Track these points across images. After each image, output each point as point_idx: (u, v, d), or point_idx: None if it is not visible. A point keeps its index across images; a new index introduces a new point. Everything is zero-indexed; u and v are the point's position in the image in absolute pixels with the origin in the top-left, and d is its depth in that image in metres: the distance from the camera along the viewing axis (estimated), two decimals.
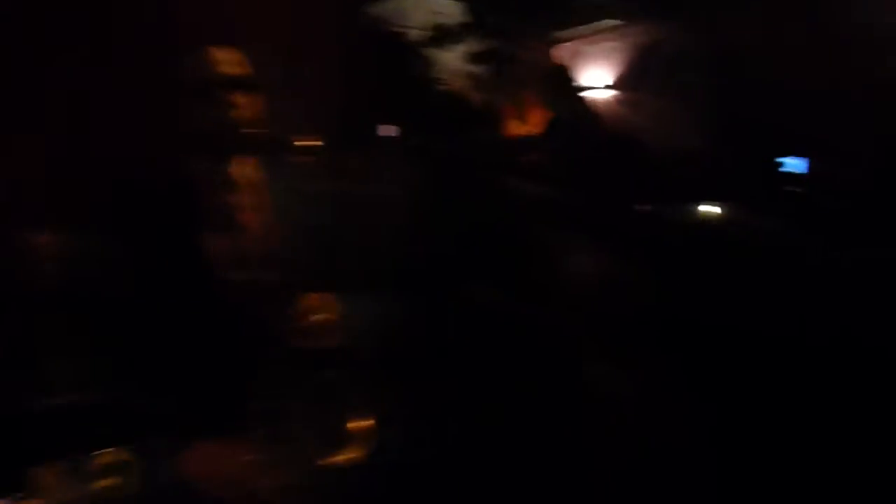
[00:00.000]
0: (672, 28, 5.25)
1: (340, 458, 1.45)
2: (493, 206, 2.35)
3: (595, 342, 2.27)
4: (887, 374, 2.56)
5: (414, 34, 4.65)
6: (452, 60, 4.75)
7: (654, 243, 3.51)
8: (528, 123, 6.03)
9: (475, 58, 4.88)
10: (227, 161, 1.54)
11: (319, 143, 1.43)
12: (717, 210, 3.58)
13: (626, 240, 3.43)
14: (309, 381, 1.44)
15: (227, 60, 1.57)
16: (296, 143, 1.50)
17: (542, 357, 2.08)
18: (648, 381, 2.21)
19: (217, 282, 1.43)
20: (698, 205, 3.66)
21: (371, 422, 1.52)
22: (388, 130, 4.07)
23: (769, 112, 4.21)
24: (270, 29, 2.43)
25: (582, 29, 5.64)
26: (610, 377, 2.14)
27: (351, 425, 1.50)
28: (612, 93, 5.52)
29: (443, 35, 4.79)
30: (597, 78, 5.60)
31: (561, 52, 5.88)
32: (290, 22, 2.83)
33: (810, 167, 4.45)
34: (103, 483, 1.32)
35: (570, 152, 4.24)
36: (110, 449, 1.34)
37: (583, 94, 4.82)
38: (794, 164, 4.47)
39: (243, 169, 1.57)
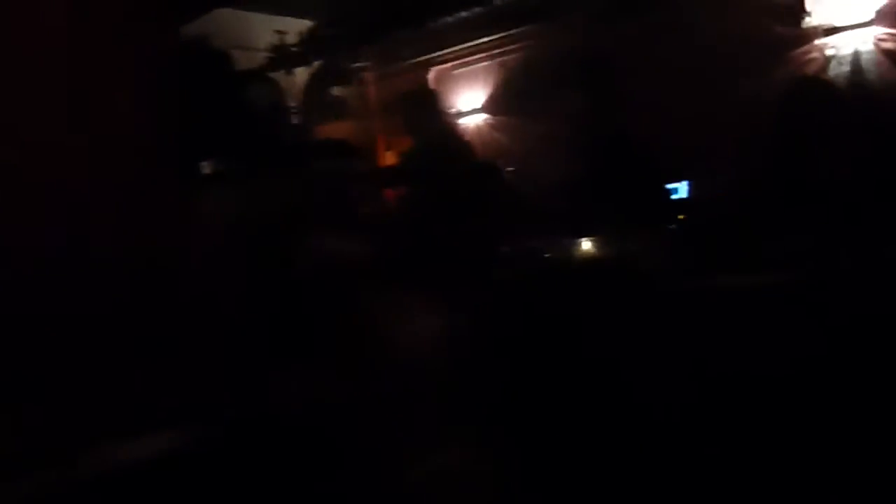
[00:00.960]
0: (547, 45, 4.87)
1: None
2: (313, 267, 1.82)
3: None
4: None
5: (248, 56, 4.07)
6: (295, 84, 4.21)
7: (516, 289, 3.03)
8: (384, 152, 5.52)
9: (322, 81, 4.34)
10: None
11: None
12: (588, 245, 3.13)
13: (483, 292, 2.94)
14: None
15: None
16: None
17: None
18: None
19: None
20: (570, 240, 3.21)
21: None
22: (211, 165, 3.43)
23: (648, 133, 3.85)
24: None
25: (449, 49, 5.17)
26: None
27: None
28: (481, 117, 5.06)
29: (284, 56, 4.23)
30: (464, 101, 5.15)
31: (424, 74, 5.41)
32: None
33: (692, 190, 4.12)
34: None
35: (428, 184, 3.75)
36: None
37: (447, 119, 4.33)
38: (676, 188, 4.15)
39: None
